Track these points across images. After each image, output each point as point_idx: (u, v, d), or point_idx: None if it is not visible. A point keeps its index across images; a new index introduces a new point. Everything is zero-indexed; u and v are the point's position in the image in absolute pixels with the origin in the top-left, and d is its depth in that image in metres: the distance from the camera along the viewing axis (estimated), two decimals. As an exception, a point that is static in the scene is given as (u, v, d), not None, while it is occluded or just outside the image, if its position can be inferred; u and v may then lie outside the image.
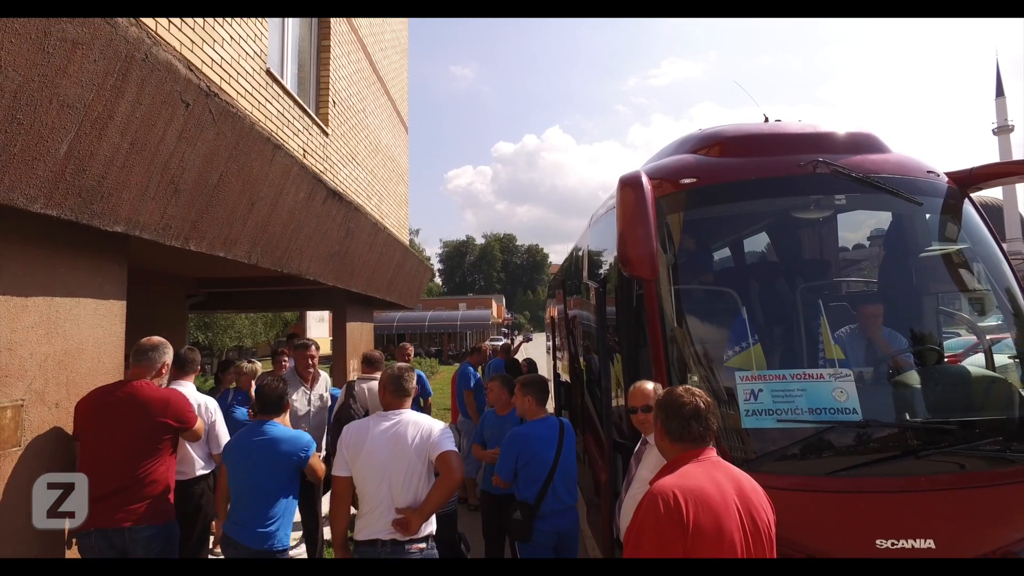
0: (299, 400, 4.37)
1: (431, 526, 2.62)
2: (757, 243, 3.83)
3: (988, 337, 3.37)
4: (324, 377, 4.71)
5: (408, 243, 11.33)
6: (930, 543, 2.62)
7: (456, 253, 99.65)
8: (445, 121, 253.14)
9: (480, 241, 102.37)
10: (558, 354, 8.00)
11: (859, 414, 2.80)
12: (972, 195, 3.48)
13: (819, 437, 2.77)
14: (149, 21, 3.09)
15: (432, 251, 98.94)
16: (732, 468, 1.78)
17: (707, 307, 3.38)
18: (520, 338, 13.51)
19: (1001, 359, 3.27)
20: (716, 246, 3.52)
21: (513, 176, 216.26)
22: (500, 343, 8.71)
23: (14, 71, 1.88)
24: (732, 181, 3.38)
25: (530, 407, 3.29)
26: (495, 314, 48.96)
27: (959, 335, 3.46)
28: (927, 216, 3.49)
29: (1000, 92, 67.93)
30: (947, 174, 3.51)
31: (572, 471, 3.29)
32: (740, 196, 3.40)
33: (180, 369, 3.49)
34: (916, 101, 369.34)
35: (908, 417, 2.95)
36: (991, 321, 3.39)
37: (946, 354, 3.61)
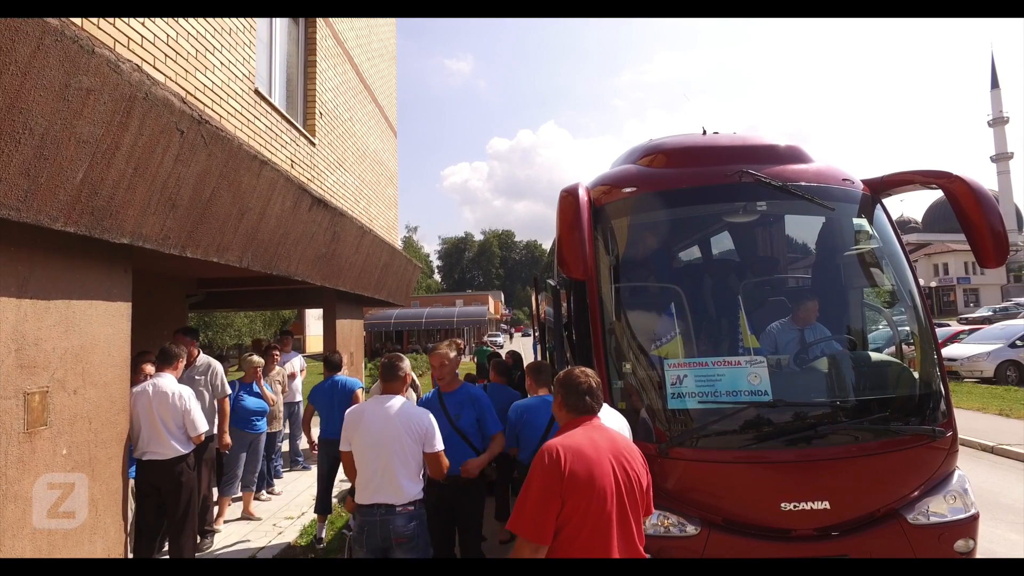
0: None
1: (418, 495, 2.98)
2: (689, 245, 4.22)
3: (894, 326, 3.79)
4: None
5: (399, 243, 11.71)
6: (825, 504, 3.05)
7: (455, 250, 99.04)
8: (440, 117, 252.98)
9: (478, 238, 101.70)
10: (536, 347, 8.51)
11: (770, 395, 3.18)
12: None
13: (735, 416, 3.14)
14: (148, 56, 3.52)
15: (431, 248, 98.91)
16: (611, 431, 2.16)
17: (643, 302, 3.77)
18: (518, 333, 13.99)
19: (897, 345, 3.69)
20: (653, 248, 3.83)
21: (510, 172, 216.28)
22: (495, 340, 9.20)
23: (42, 117, 2.31)
24: (666, 190, 3.75)
25: (530, 385, 3.96)
26: (492, 310, 49.34)
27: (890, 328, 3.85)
28: (841, 220, 3.84)
29: (995, 84, 68.07)
30: (863, 181, 3.89)
31: None
32: (673, 203, 3.70)
33: (163, 362, 4.06)
34: (913, 93, 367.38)
35: (812, 398, 3.37)
36: (894, 312, 3.81)
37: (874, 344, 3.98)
